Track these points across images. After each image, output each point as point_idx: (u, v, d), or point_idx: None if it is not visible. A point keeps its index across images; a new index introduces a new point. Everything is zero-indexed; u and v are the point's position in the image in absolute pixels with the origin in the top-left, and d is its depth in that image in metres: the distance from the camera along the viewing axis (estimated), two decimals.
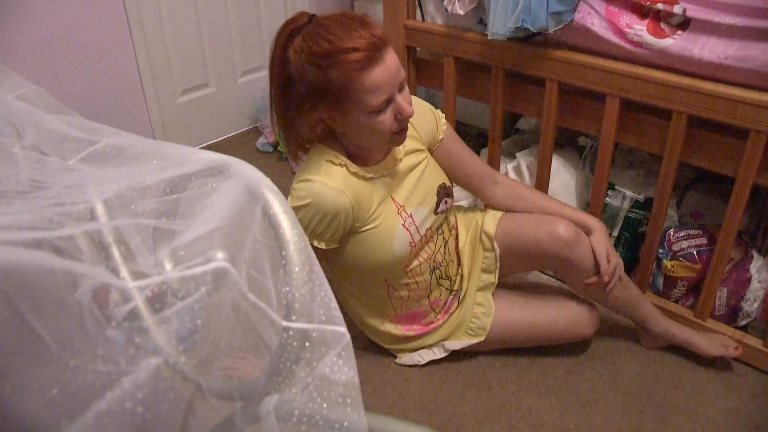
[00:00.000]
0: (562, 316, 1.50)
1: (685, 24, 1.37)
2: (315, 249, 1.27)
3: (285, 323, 0.49)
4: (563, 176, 1.80)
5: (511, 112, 1.93)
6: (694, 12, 1.34)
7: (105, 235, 0.48)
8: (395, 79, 1.17)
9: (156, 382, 0.47)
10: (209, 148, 2.69)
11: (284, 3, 2.76)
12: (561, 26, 1.49)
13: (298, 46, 1.15)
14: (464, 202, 2.04)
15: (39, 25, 2.03)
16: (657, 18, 1.40)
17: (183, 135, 2.61)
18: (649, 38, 1.41)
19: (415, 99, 1.40)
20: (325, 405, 0.51)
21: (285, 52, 1.18)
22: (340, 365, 0.51)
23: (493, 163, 1.83)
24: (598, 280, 1.41)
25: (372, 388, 1.53)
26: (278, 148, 2.60)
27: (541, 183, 1.74)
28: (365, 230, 1.33)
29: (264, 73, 2.77)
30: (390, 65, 1.15)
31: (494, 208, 1.54)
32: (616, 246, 1.79)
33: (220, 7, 2.54)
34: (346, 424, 0.51)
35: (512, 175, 1.87)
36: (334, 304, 0.51)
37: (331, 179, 1.24)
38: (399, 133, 1.25)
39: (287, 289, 0.50)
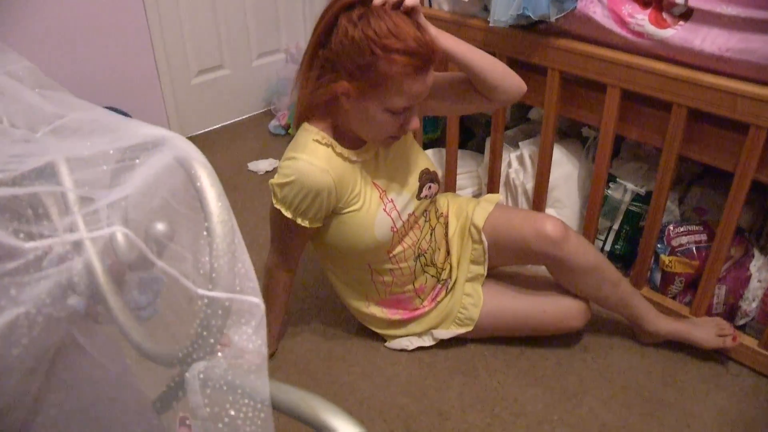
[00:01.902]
0: (551, 307, 1.50)
1: (687, 14, 1.34)
2: (299, 227, 1.30)
3: (201, 292, 0.50)
4: (566, 167, 1.78)
5: (521, 102, 1.91)
6: (697, 2, 1.31)
7: (21, 199, 0.50)
8: (423, 95, 1.22)
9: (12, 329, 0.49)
10: (222, 129, 2.74)
11: None
12: (563, 14, 1.47)
13: (356, 18, 1.15)
14: (469, 191, 2.04)
15: (54, 9, 2.07)
16: (659, 8, 1.38)
17: (197, 116, 2.65)
18: (651, 28, 1.38)
19: None
20: (231, 371, 0.52)
21: (338, 17, 1.17)
22: (249, 334, 0.52)
23: (496, 153, 1.82)
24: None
25: (360, 370, 1.54)
26: (289, 131, 2.62)
27: (543, 173, 1.73)
28: (347, 212, 1.34)
29: (279, 57, 2.79)
30: (429, 81, 1.21)
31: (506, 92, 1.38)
32: (616, 239, 1.77)
33: None
34: (248, 390, 0.52)
35: (515, 165, 1.86)
36: (252, 275, 0.53)
37: (315, 158, 1.26)
38: (393, 138, 1.30)
39: (206, 258, 0.51)
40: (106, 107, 2.36)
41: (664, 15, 1.37)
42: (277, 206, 1.29)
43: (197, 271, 0.52)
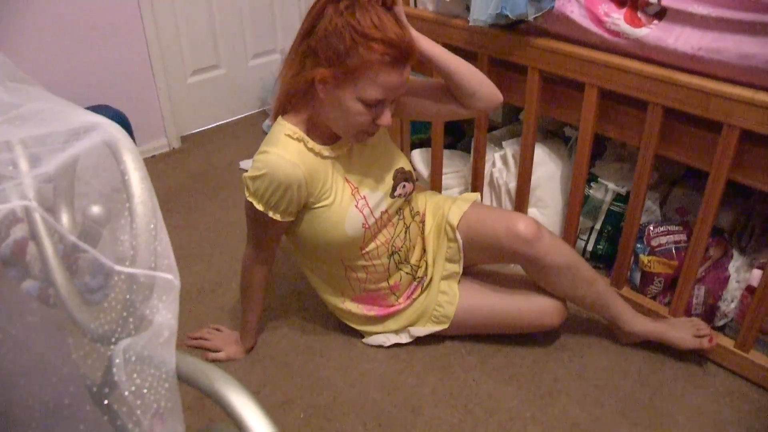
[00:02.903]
0: (527, 305, 1.50)
1: (661, 14, 1.35)
2: (272, 221, 1.32)
3: (118, 268, 0.52)
4: (548, 166, 1.79)
5: (509, 102, 1.92)
6: (670, 1, 1.31)
7: None
8: (399, 90, 1.25)
9: None
10: (217, 129, 2.77)
11: None
12: (541, 13, 1.48)
13: (343, 9, 1.18)
14: (455, 190, 2.05)
15: (49, 7, 2.10)
16: (634, 7, 1.38)
17: (192, 115, 2.68)
18: (626, 27, 1.39)
19: None
20: (141, 343, 0.53)
21: (325, 7, 1.21)
22: (160, 308, 0.53)
23: (479, 152, 1.83)
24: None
25: (337, 364, 1.55)
26: None
27: (525, 172, 1.73)
28: (319, 207, 1.35)
29: (275, 57, 2.81)
30: (404, 77, 1.23)
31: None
32: (598, 239, 1.77)
33: None
34: (156, 361, 0.53)
35: (499, 164, 1.86)
36: (168, 253, 0.54)
37: (286, 152, 1.28)
38: (365, 134, 1.31)
39: (125, 237, 0.53)
40: (100, 106, 2.39)
41: (639, 14, 1.38)
42: (249, 199, 1.31)
43: (116, 249, 0.53)
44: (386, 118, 1.27)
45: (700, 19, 1.29)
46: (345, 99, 1.23)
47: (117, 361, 0.54)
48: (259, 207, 1.31)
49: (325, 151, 1.34)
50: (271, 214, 1.32)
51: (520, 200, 1.78)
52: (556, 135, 1.93)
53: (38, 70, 2.13)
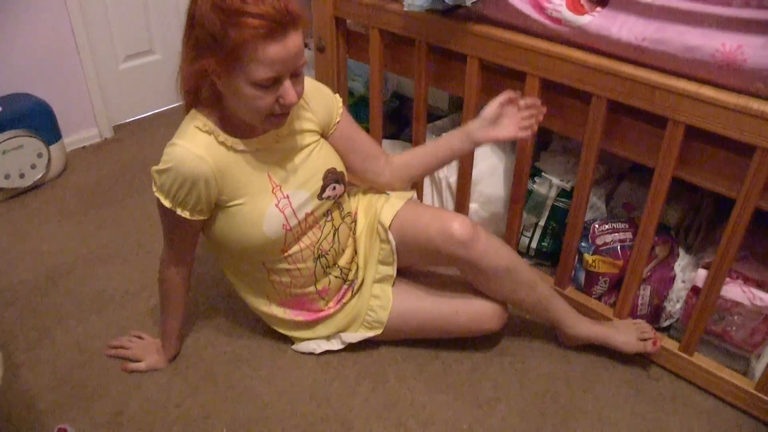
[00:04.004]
0: (465, 308, 1.42)
1: (604, 0, 1.26)
2: (183, 219, 1.21)
3: None
4: (491, 159, 1.70)
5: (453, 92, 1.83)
6: None
7: None
8: (291, 62, 1.11)
9: None
10: (154, 117, 2.63)
11: None
12: None
13: None
14: None
15: None
16: None
17: (126, 103, 2.52)
18: (568, 14, 1.30)
19: (314, 82, 1.38)
20: None
21: None
22: None
23: (418, 143, 1.73)
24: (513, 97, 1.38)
25: (265, 374, 1.45)
26: None
27: (465, 166, 1.64)
28: (233, 205, 1.25)
29: None
30: (290, 46, 1.09)
31: (393, 186, 1.48)
32: (542, 236, 1.70)
33: None
34: None
35: None
36: None
37: (193, 145, 1.18)
38: (276, 117, 1.19)
39: None
40: (19, 94, 2.22)
41: (582, 1, 1.29)
42: (156, 194, 1.21)
43: None
44: (290, 95, 1.14)
45: (644, 8, 1.20)
46: (239, 86, 1.12)
47: None
48: (166, 203, 1.20)
49: (240, 144, 1.23)
50: (179, 211, 1.21)
51: (461, 196, 1.69)
52: None
53: None
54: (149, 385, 1.43)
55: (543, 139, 1.85)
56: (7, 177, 2.01)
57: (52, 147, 2.10)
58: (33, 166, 2.06)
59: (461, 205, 1.70)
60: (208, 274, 1.74)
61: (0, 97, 2.06)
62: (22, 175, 2.05)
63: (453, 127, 1.84)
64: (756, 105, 1.11)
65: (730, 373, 1.39)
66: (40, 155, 2.06)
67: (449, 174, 1.74)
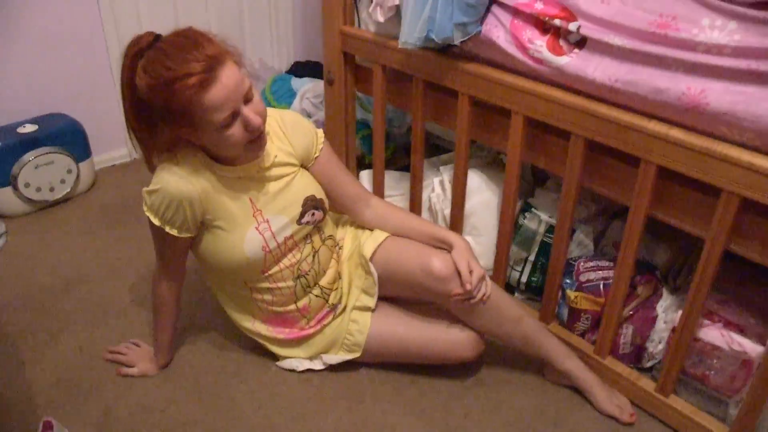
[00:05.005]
0: (441, 336, 1.45)
1: (581, 42, 1.31)
2: (171, 237, 1.30)
3: None
4: (485, 194, 1.74)
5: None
6: (588, 30, 1.28)
7: None
8: (235, 93, 1.18)
9: None
10: None
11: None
12: (467, 38, 1.45)
13: (141, 72, 1.18)
14: None
15: (5, 12, 2.12)
16: (557, 34, 1.35)
17: None
18: (548, 55, 1.35)
19: (296, 115, 1.48)
20: None
21: (132, 76, 1.20)
22: None
23: (416, 177, 1.79)
24: (461, 291, 1.35)
25: (248, 386, 1.51)
26: None
27: (457, 199, 1.69)
28: (217, 225, 1.33)
29: (244, 70, 2.80)
30: (227, 82, 1.16)
31: (370, 227, 1.53)
32: (532, 271, 1.72)
33: (200, 3, 2.59)
34: None
35: (438, 189, 1.82)
36: None
37: (181, 168, 1.28)
38: (253, 143, 1.27)
39: None
40: (55, 114, 2.39)
41: (561, 42, 1.34)
42: (147, 213, 1.30)
43: None
44: (252, 119, 1.21)
45: (617, 50, 1.25)
46: (208, 134, 1.21)
47: None
48: (156, 222, 1.29)
49: (225, 171, 1.32)
50: (167, 229, 1.30)
51: (454, 228, 1.74)
52: (496, 162, 1.88)
53: None
54: (139, 390, 1.50)
55: (540, 177, 1.89)
56: (38, 190, 2.16)
57: (81, 164, 2.25)
58: (62, 181, 2.21)
59: None
60: (207, 291, 1.83)
61: (37, 117, 2.23)
62: (51, 189, 2.20)
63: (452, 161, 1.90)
64: (720, 148, 1.14)
65: (705, 417, 1.38)
66: (69, 171, 2.21)
67: (444, 206, 1.79)
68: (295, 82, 2.50)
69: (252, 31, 2.80)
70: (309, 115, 2.38)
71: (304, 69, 2.75)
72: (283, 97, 2.45)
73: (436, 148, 2.30)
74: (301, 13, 2.90)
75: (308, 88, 2.41)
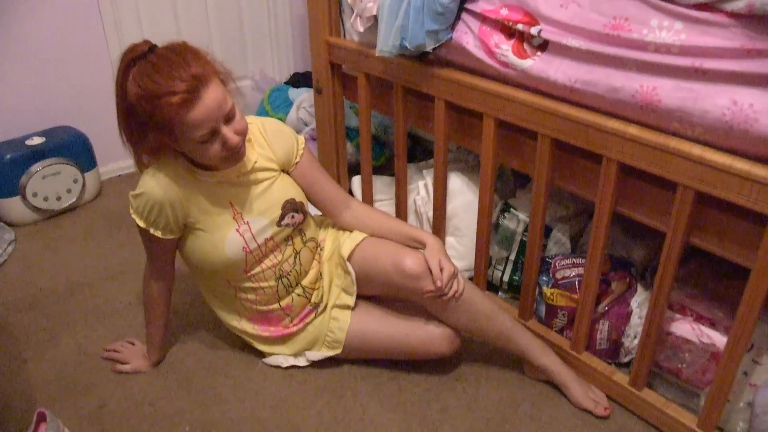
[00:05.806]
0: (416, 331, 1.50)
1: (543, 45, 1.36)
2: (157, 238, 1.37)
3: None
4: (466, 196, 1.79)
5: None
6: (549, 34, 1.32)
7: None
8: (216, 114, 1.24)
9: None
10: None
11: (267, 11, 2.88)
12: (438, 45, 1.51)
13: (132, 81, 1.24)
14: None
15: (12, 26, 2.23)
16: (521, 38, 1.40)
17: None
18: (513, 58, 1.40)
19: (278, 123, 1.53)
20: None
21: (125, 82, 1.26)
22: None
23: (400, 180, 1.85)
24: (433, 288, 1.40)
25: (234, 382, 1.57)
26: None
27: (439, 201, 1.74)
28: (198, 228, 1.40)
29: (245, 83, 2.89)
30: (208, 103, 1.22)
31: (350, 230, 1.58)
32: (513, 270, 1.76)
33: (201, 14, 2.68)
34: None
35: (422, 192, 1.88)
36: None
37: (162, 173, 1.35)
38: (231, 156, 1.33)
39: None
40: (62, 127, 2.50)
41: (525, 45, 1.39)
42: (133, 216, 1.37)
43: None
44: (230, 139, 1.28)
45: (575, 52, 1.29)
46: (188, 146, 1.28)
47: None
48: (141, 224, 1.37)
49: (206, 176, 1.39)
50: (152, 230, 1.37)
51: (437, 230, 1.79)
52: (479, 165, 1.92)
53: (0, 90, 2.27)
54: (132, 385, 1.57)
55: (522, 179, 1.93)
56: (45, 199, 2.26)
57: (86, 174, 2.36)
58: (69, 191, 2.32)
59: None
60: (198, 294, 1.89)
61: (45, 130, 2.35)
62: (58, 198, 2.30)
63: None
64: (673, 143, 1.17)
65: (676, 409, 1.40)
66: (75, 181, 2.31)
67: (428, 209, 1.84)
68: (292, 92, 2.58)
69: (253, 44, 2.90)
70: (305, 124, 2.46)
71: (303, 80, 2.83)
72: (280, 107, 2.53)
73: (430, 154, 2.35)
74: (300, 26, 2.99)
75: (304, 97, 2.49)
